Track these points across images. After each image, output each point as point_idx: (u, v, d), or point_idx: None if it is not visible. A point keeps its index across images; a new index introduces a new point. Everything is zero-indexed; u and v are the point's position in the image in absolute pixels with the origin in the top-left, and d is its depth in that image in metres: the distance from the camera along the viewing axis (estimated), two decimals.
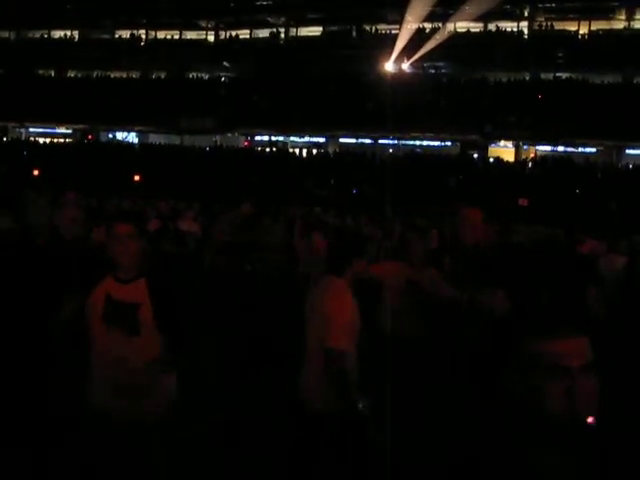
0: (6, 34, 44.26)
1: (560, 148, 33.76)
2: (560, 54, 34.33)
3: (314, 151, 35.83)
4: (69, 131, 40.90)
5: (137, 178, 31.31)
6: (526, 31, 35.65)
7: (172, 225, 11.91)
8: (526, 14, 35.88)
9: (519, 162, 33.11)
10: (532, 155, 34.38)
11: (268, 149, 36.58)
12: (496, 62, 34.09)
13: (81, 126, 39.36)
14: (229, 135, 37.58)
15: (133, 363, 3.36)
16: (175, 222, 12.38)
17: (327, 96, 33.73)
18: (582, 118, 29.48)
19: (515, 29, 35.85)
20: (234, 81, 39.03)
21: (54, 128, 41.06)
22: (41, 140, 40.61)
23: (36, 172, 31.91)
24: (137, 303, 3.41)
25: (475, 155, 33.53)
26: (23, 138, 41.60)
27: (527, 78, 35.11)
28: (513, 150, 34.52)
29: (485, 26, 36.19)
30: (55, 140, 40.87)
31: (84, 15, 41.07)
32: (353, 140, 36.66)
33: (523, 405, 1.57)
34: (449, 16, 34.16)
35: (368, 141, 36.11)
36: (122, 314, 3.41)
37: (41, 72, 42.94)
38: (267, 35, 39.80)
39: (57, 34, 43.66)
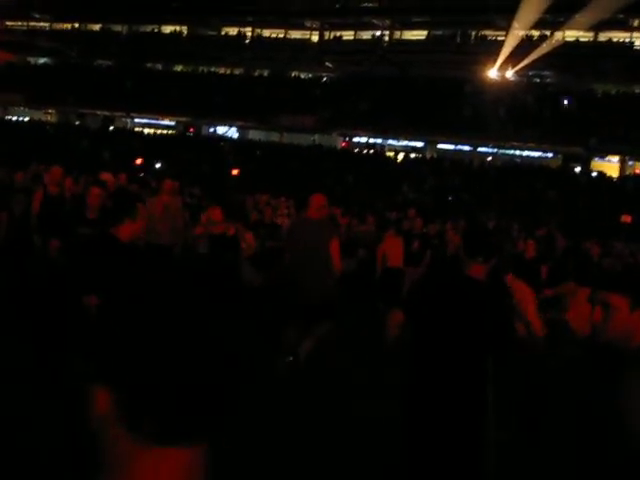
0: (119, 27, 46.12)
1: None
2: None
3: (411, 155, 35.67)
4: (172, 123, 42.10)
5: (235, 172, 31.81)
6: (638, 42, 34.32)
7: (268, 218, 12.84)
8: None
9: (623, 177, 31.93)
10: (638, 170, 33.11)
11: (365, 151, 36.61)
12: (605, 73, 32.99)
13: (184, 119, 40.49)
14: (327, 135, 37.82)
15: None
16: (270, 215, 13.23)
17: (428, 100, 33.47)
18: None
19: (627, 40, 34.59)
20: (336, 81, 39.32)
21: (158, 119, 42.37)
22: (145, 130, 42.02)
23: (139, 161, 32.84)
24: None
25: (577, 168, 32.55)
26: (128, 127, 43.16)
27: (637, 91, 33.82)
28: (617, 165, 33.36)
29: (596, 36, 35.05)
30: (159, 131, 42.19)
31: (192, 11, 42.37)
32: (451, 146, 36.24)
33: None
34: (558, 24, 33.27)
35: (467, 148, 35.63)
36: None
37: (149, 65, 44.47)
38: (370, 37, 39.91)
39: (167, 29, 45.16)
